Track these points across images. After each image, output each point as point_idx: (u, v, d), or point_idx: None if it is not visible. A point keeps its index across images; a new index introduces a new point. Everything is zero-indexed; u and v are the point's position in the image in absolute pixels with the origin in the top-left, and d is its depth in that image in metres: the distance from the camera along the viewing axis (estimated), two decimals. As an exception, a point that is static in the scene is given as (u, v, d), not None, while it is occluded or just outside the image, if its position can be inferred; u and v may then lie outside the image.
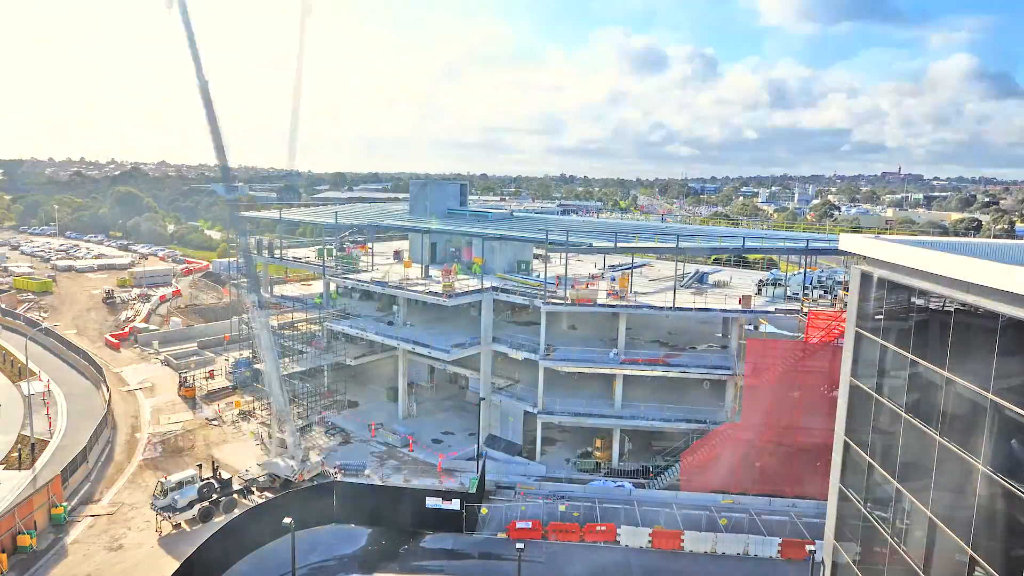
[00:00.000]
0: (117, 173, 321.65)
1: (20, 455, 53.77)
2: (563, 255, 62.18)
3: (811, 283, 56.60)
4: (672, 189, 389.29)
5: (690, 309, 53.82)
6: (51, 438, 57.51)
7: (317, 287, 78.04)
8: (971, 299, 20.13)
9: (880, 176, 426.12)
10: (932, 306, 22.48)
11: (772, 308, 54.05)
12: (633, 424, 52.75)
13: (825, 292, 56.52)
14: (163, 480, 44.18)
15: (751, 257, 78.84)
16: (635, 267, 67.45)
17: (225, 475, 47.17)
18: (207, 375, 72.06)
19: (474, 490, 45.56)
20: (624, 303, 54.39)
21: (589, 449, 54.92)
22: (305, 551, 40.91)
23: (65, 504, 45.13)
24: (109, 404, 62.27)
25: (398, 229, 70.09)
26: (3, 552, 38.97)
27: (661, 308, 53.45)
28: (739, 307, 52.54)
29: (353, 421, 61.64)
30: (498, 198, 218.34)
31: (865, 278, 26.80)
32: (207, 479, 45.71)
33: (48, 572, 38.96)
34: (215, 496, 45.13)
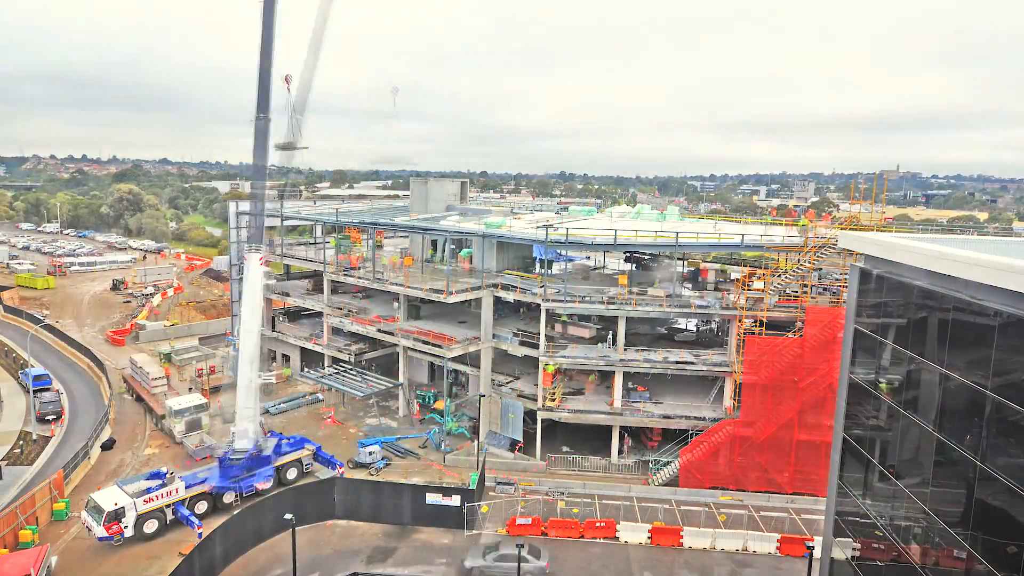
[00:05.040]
0: (118, 171, 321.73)
1: (22, 450, 54.00)
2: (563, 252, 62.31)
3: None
4: (671, 187, 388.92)
5: (688, 307, 53.89)
6: (53, 434, 57.75)
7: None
8: (969, 296, 20.30)
9: (878, 174, 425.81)
10: (930, 302, 22.64)
11: (771, 304, 54.03)
12: (632, 420, 52.90)
13: (824, 289, 56.60)
14: None
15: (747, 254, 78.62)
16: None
17: None
18: (208, 370, 72.21)
19: (474, 486, 45.76)
20: (623, 300, 54.47)
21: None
22: (305, 547, 41.11)
23: (67, 500, 45.38)
24: (111, 400, 62.48)
25: (398, 228, 70.03)
26: (5, 547, 39.16)
27: (660, 306, 53.56)
28: (738, 304, 52.62)
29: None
30: (499, 195, 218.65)
31: (864, 275, 26.99)
32: None
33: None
34: None
